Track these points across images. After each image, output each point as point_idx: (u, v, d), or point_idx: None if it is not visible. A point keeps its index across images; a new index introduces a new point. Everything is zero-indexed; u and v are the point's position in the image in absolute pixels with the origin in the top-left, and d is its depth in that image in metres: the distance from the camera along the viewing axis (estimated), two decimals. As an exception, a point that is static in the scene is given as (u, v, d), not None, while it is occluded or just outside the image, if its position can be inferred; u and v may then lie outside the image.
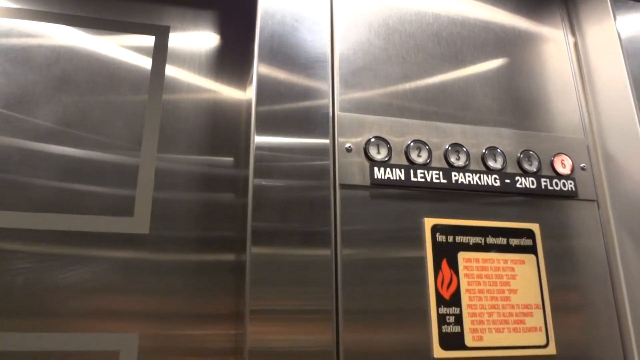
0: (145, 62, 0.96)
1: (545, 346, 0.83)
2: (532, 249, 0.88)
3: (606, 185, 0.97)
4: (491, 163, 0.91)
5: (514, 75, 1.02)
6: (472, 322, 0.80)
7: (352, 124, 0.87)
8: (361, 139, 0.86)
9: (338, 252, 0.79)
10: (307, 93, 0.84)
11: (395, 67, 0.94)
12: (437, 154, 0.89)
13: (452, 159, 0.89)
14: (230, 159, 0.93)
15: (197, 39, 1.00)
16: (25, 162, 0.85)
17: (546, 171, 0.94)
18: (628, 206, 0.92)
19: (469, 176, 0.89)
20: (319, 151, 0.81)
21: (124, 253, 0.83)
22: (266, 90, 0.82)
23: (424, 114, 0.92)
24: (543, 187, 0.92)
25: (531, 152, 0.94)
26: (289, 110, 0.82)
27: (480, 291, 0.83)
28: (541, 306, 0.85)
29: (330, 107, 0.86)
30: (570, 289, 0.88)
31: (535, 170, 0.93)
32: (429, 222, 0.84)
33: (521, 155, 0.93)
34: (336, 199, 0.82)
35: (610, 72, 0.99)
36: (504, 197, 0.90)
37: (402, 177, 0.85)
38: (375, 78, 0.92)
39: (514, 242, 0.87)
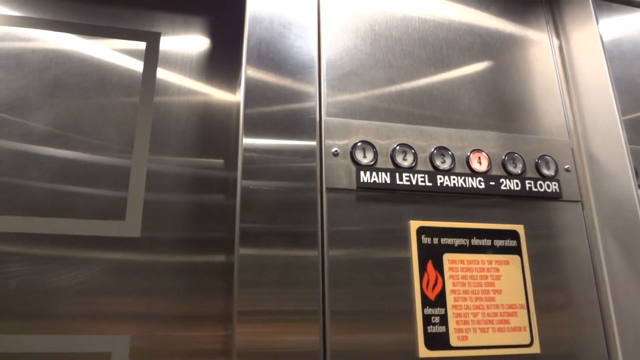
0: (137, 66, 0.97)
1: (530, 345, 0.84)
2: (516, 250, 0.89)
3: (590, 186, 0.98)
4: (476, 165, 0.92)
5: (499, 78, 1.03)
6: (457, 322, 0.82)
7: (338, 128, 0.88)
8: (347, 143, 0.87)
9: (325, 253, 0.80)
10: (294, 97, 0.85)
11: (381, 72, 0.95)
12: (423, 157, 0.90)
13: (438, 162, 0.90)
14: (220, 161, 0.94)
15: (187, 44, 1.01)
16: (18, 166, 0.86)
17: (531, 173, 0.95)
18: (611, 207, 0.93)
19: (454, 179, 0.90)
20: (306, 154, 0.82)
21: (116, 256, 0.84)
22: (254, 93, 0.83)
23: (410, 118, 0.93)
24: (527, 188, 0.93)
25: (516, 155, 0.95)
26: (277, 113, 0.83)
27: (465, 292, 0.84)
28: (525, 306, 0.86)
29: (317, 111, 0.87)
30: (555, 288, 0.89)
31: (519, 172, 0.94)
32: (414, 225, 0.86)
33: (506, 158, 0.94)
34: (323, 202, 0.83)
35: (594, 74, 1.00)
36: (488, 199, 0.92)
37: (388, 181, 0.86)
38: (361, 83, 0.93)
39: (498, 243, 0.89)
